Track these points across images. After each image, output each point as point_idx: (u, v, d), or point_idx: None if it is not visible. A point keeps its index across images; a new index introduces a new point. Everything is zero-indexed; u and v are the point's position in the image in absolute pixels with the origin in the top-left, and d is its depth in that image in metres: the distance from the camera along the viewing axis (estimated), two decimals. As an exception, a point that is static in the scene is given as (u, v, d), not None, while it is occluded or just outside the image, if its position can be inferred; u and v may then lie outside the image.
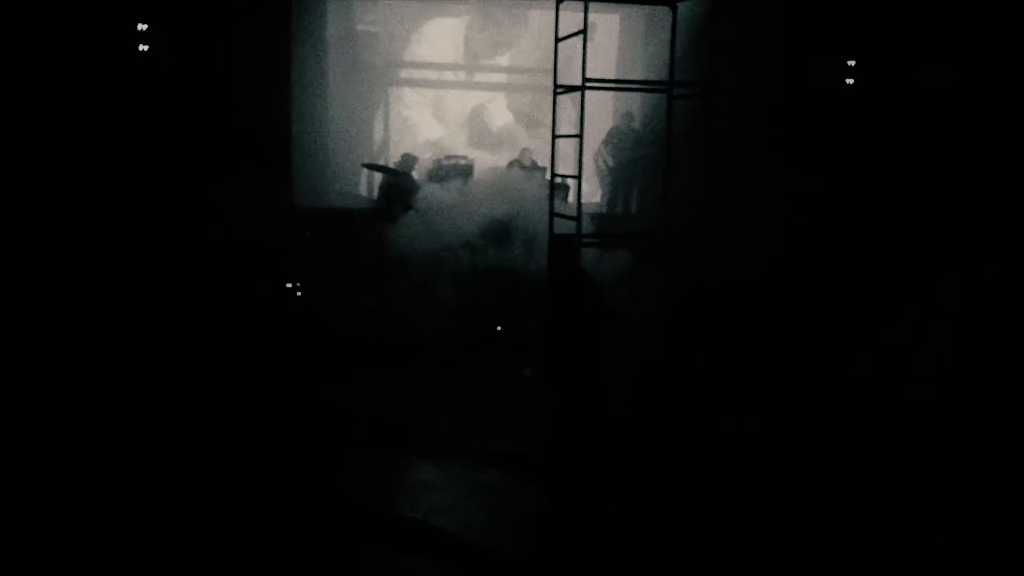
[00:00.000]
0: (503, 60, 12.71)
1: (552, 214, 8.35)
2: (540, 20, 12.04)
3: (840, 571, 4.87)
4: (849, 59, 10.20)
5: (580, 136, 7.90)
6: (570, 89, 8.11)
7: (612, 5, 11.44)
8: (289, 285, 9.22)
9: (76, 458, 5.99)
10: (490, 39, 12.37)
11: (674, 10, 8.22)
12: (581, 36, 7.76)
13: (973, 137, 7.99)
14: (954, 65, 8.58)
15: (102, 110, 9.04)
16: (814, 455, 5.96)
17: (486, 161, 11.61)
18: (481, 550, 5.27)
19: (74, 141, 8.85)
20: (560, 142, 8.42)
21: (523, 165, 10.90)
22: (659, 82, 8.78)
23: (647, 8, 11.33)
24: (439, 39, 12.39)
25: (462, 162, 11.03)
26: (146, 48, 9.38)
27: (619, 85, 9.98)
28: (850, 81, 10.37)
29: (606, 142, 11.37)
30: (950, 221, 7.61)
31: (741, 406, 6.91)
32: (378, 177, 11.25)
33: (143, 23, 9.35)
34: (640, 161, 11.07)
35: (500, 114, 12.75)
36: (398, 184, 10.49)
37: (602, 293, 5.61)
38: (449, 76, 12.74)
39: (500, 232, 9.65)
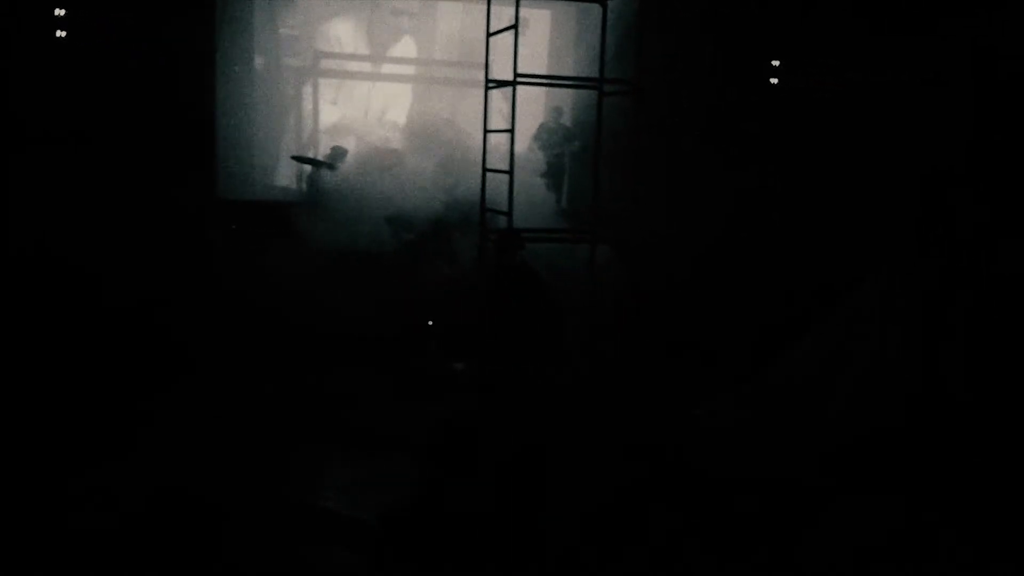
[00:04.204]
0: (433, 54, 12.63)
1: (484, 209, 8.36)
2: (471, 14, 12.00)
3: (765, 557, 5.02)
4: (776, 59, 10.44)
5: (511, 131, 7.93)
6: (501, 84, 8.13)
7: (543, 1, 11.48)
8: (218, 278, 9.04)
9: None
10: (413, 32, 12.31)
11: (604, 7, 8.30)
12: (512, 31, 7.79)
13: (921, 140, 8.16)
14: (894, 65, 8.75)
15: (20, 95, 8.74)
16: (748, 453, 6.12)
17: (416, 154, 11.52)
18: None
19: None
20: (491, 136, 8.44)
21: (454, 158, 10.85)
22: (590, 79, 8.85)
23: (578, 5, 11.40)
24: (369, 31, 12.25)
25: (393, 155, 10.93)
26: (63, 35, 9.09)
27: (550, 81, 10.05)
28: (774, 81, 10.62)
29: (536, 137, 11.41)
30: (892, 224, 7.79)
31: (681, 407, 7.01)
32: (307, 169, 11.09)
33: (60, 9, 9.07)
34: (567, 156, 11.15)
35: (429, 107, 12.65)
36: (327, 176, 10.36)
37: (545, 287, 5.64)
38: (368, 68, 12.59)
39: (431, 225, 9.61)
